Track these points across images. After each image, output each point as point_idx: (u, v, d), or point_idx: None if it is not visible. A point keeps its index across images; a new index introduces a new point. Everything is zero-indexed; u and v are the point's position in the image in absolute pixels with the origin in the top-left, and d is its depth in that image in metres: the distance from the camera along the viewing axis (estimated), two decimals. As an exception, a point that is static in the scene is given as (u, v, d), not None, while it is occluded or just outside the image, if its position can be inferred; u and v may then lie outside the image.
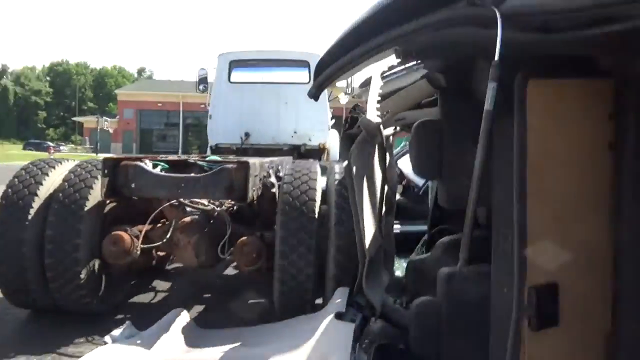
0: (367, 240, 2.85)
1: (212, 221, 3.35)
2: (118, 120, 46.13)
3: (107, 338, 2.36)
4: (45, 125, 72.15)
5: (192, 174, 3.13)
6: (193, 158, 4.04)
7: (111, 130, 44.17)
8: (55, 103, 74.20)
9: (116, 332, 2.41)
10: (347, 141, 3.00)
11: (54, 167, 3.28)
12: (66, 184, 3.10)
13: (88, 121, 50.31)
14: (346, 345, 2.01)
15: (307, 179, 3.22)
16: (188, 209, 3.38)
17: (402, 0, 1.18)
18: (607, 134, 1.21)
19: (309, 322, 2.72)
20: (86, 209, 3.02)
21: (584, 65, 1.06)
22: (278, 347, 2.37)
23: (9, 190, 3.09)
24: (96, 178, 3.14)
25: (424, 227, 4.21)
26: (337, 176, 3.24)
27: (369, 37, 1.26)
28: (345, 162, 2.99)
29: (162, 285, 4.12)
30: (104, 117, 45.21)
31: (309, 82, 6.90)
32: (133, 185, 3.03)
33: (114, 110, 56.29)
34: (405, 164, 6.33)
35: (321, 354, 2.02)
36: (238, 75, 7.04)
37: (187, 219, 3.31)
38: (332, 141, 7.42)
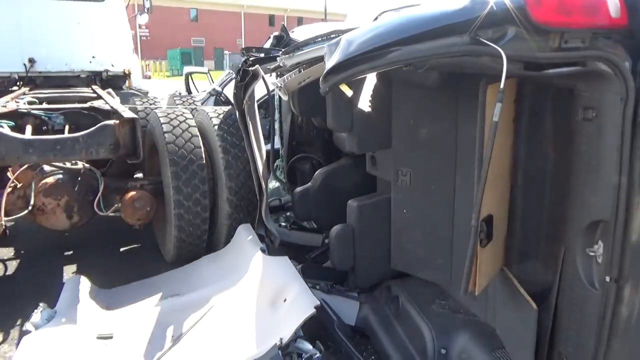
0: (262, 178, 3.15)
1: (79, 178, 3.09)
2: None
3: (28, 326, 2.18)
4: None
5: (69, 135, 2.80)
6: (19, 105, 3.50)
7: None
8: None
9: (35, 317, 2.23)
10: (240, 92, 3.09)
11: None
12: None
13: None
14: (296, 275, 2.37)
15: (186, 127, 3.22)
16: (47, 168, 3.04)
17: (422, 29, 1.48)
18: (512, 112, 1.83)
19: (222, 261, 2.96)
20: None
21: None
22: (218, 287, 2.58)
23: None
24: None
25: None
26: (214, 121, 3.32)
27: (390, 52, 1.53)
28: (237, 112, 3.13)
29: (4, 252, 3.63)
30: None
31: (104, -1, 6.17)
32: (-7, 154, 2.58)
33: None
34: (229, 91, 6.45)
35: (276, 286, 2.33)
36: None
37: (50, 179, 2.99)
38: (135, 65, 6.93)
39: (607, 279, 1.49)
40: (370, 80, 2.55)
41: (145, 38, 36.10)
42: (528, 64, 1.51)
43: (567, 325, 1.68)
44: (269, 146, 3.50)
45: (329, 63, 1.69)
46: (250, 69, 3.09)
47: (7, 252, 3.66)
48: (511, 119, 1.87)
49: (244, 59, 3.25)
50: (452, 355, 2.10)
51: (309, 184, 3.33)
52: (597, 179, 1.51)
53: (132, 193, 3.06)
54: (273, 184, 4.52)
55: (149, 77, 27.14)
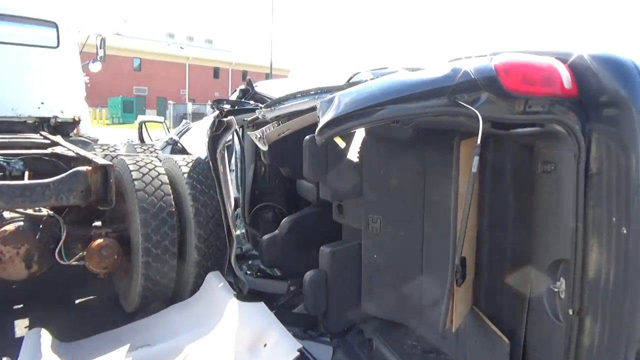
0: (232, 225, 3.21)
1: (41, 225, 2.99)
2: None
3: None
4: None
5: (39, 181, 2.74)
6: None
7: None
8: None
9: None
10: (215, 142, 3.18)
11: None
12: None
13: None
14: (274, 319, 2.40)
15: (156, 174, 3.24)
16: (7, 215, 2.92)
17: (409, 92, 1.70)
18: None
19: (192, 309, 2.92)
20: None
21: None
22: (191, 336, 2.53)
23: None
24: None
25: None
26: (183, 169, 3.36)
27: (380, 110, 1.73)
28: (211, 162, 3.21)
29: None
30: None
31: (57, 46, 6.12)
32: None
33: None
34: (185, 141, 6.49)
35: (254, 331, 2.34)
36: None
37: (10, 227, 2.88)
38: (85, 113, 6.83)
39: (570, 311, 1.69)
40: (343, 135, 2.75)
41: (87, 85, 35.32)
42: (496, 123, 1.76)
43: (537, 357, 1.86)
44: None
45: (325, 118, 1.86)
46: (224, 119, 3.21)
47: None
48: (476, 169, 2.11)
49: (217, 111, 3.38)
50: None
51: (276, 231, 3.42)
52: (557, 223, 1.74)
53: (99, 241, 2.99)
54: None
55: (86, 124, 26.24)
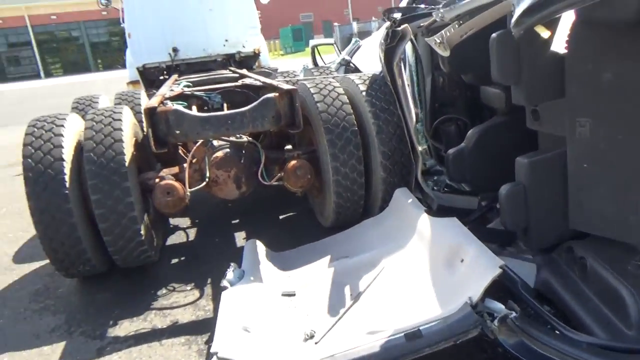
0: (415, 140, 3.12)
1: (243, 151, 3.32)
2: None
3: (224, 283, 2.43)
4: None
5: (237, 110, 3.03)
6: (184, 89, 3.84)
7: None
8: None
9: (229, 275, 2.48)
10: (389, 54, 3.06)
11: (62, 125, 2.95)
12: (92, 141, 2.84)
13: None
14: (469, 234, 2.33)
15: (336, 95, 3.28)
16: (216, 143, 3.31)
17: None
18: None
19: (384, 224, 3.01)
20: (126, 164, 2.83)
21: None
22: (387, 250, 2.63)
23: (29, 160, 2.76)
24: (120, 130, 2.92)
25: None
26: (361, 87, 3.33)
27: None
28: (388, 76, 3.12)
29: (180, 221, 4.09)
30: None
31: (232, -16, 6.46)
32: (178, 132, 2.90)
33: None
34: (357, 60, 6.45)
35: (450, 246, 2.32)
36: None
37: (219, 153, 3.25)
38: (263, 46, 7.20)
39: None
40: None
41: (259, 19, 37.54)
42: None
43: None
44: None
45: (523, 4, 1.57)
46: (398, 29, 3.02)
47: (185, 221, 4.11)
48: None
49: (388, 22, 3.19)
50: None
51: (462, 144, 3.22)
52: None
53: (293, 162, 3.22)
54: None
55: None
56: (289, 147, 3.36)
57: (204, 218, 4.18)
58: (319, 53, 7.77)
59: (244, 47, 6.63)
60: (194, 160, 3.29)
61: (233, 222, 4.03)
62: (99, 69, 38.96)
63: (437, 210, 3.02)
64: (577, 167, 2.35)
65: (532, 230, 2.51)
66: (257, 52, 6.81)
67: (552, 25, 2.23)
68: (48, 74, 38.27)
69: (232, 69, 5.82)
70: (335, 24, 33.30)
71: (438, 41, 2.67)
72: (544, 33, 1.59)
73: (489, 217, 3.01)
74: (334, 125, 3.15)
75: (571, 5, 1.46)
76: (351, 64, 6.30)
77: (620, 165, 2.17)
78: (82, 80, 26.98)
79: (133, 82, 7.25)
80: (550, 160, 2.47)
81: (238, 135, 3.25)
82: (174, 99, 3.43)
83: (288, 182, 3.24)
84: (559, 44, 2.27)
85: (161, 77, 6.22)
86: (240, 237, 3.69)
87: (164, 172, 3.20)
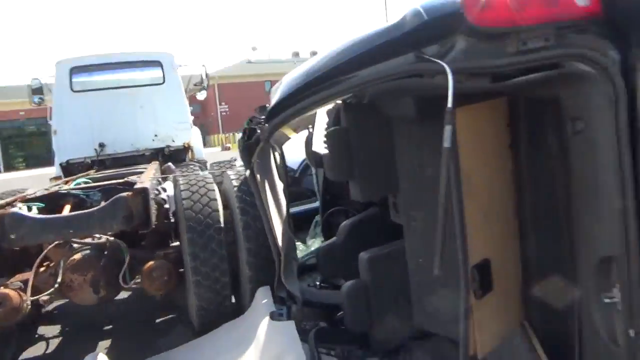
0: (279, 238, 3.00)
1: (105, 252, 3.14)
2: None
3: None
4: None
5: (83, 211, 2.90)
6: (61, 187, 3.73)
7: None
8: None
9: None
10: (246, 151, 3.04)
11: None
12: None
13: None
14: (295, 341, 2.15)
15: (205, 191, 3.20)
16: (75, 245, 3.13)
17: (355, 53, 1.32)
18: (506, 137, 1.56)
19: (239, 329, 2.79)
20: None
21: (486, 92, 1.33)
22: (230, 358, 2.41)
23: None
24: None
25: (306, 207, 4.68)
26: (234, 182, 3.27)
27: (323, 87, 1.38)
28: (248, 171, 3.08)
29: (49, 330, 3.75)
30: None
31: (163, 82, 6.65)
32: (13, 237, 2.71)
33: None
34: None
35: (274, 355, 2.13)
36: (82, 82, 6.44)
37: (77, 256, 3.06)
38: (195, 138, 7.28)
39: (631, 332, 1.13)
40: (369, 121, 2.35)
41: (225, 114, 38.89)
42: (495, 76, 1.28)
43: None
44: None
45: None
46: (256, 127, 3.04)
47: (53, 329, 3.77)
48: (507, 145, 1.59)
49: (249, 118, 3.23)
50: None
51: (334, 238, 3.13)
52: (597, 204, 1.19)
53: (150, 263, 3.04)
54: (312, 241, 4.35)
55: (228, 149, 28.63)
56: (176, 243, 3.21)
57: (76, 324, 3.85)
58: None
59: (173, 141, 6.69)
60: (51, 264, 3.08)
61: (105, 328, 3.72)
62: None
63: (303, 307, 2.85)
64: (414, 262, 2.26)
65: (376, 331, 2.35)
66: (186, 145, 6.86)
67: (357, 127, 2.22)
68: (8, 168, 37.67)
69: (150, 164, 5.77)
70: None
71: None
72: (291, 135, 1.58)
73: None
74: (196, 222, 3.03)
75: (300, 110, 1.44)
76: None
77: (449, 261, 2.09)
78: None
79: (56, 178, 7.12)
80: (392, 255, 2.38)
81: (98, 236, 3.09)
82: (37, 199, 3.26)
83: (144, 285, 3.03)
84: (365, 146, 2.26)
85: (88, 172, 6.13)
86: (103, 346, 3.36)
87: (17, 277, 2.96)
